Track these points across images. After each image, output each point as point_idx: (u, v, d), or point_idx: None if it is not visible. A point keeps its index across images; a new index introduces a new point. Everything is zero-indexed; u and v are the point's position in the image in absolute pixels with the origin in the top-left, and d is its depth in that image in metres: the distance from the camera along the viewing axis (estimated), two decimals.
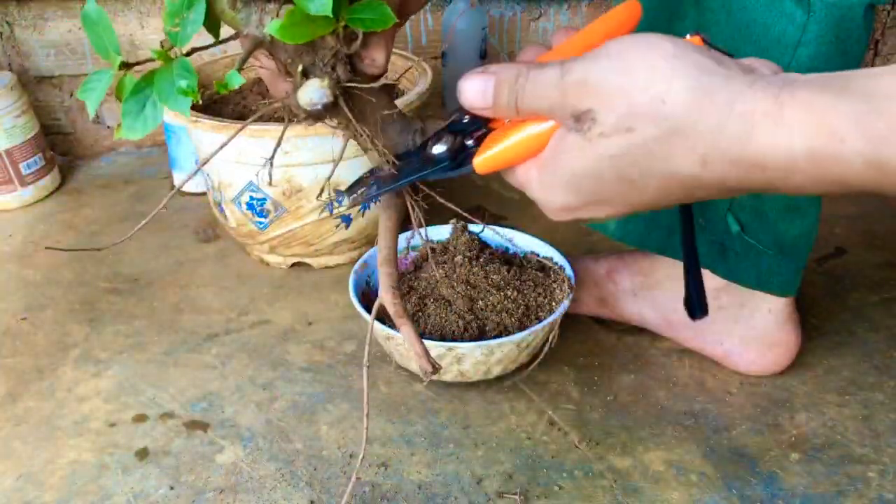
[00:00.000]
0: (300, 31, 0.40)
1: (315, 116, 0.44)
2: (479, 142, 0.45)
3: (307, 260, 0.96)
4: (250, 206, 0.89)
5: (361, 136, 0.46)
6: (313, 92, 0.43)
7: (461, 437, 0.70)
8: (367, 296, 0.79)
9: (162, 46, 0.41)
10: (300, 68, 0.43)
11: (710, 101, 0.36)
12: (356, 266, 0.80)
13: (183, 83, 0.40)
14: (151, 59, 0.42)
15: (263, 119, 0.94)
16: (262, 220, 0.90)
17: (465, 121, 0.45)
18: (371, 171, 0.48)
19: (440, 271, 0.77)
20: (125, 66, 0.42)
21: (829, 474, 0.66)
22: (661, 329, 0.80)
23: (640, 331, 0.82)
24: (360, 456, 0.54)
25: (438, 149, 0.46)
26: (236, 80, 0.42)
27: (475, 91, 0.42)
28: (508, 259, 0.81)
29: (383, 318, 0.74)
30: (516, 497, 0.64)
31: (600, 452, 0.68)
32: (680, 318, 0.78)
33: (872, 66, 1.58)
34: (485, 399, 0.74)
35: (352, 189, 0.48)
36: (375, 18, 0.41)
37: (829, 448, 0.68)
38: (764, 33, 0.61)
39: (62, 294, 0.92)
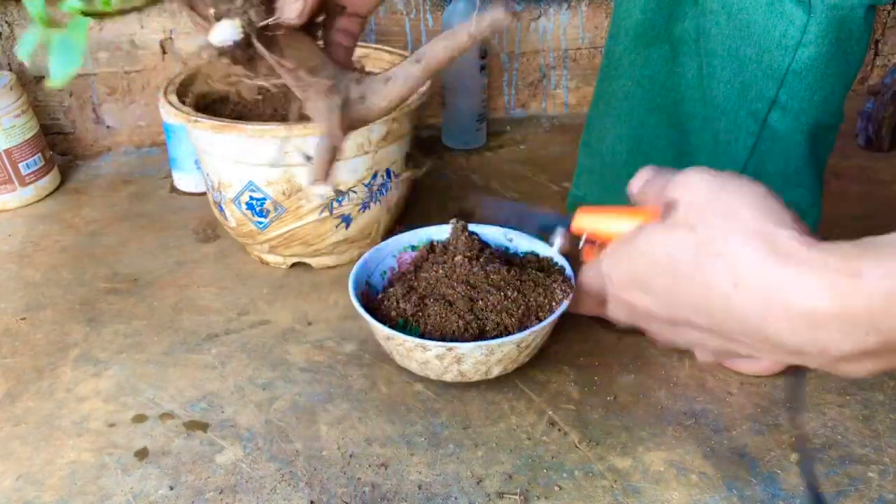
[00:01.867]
0: None
1: (230, 55, 0.46)
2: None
3: (307, 260, 0.96)
4: (250, 206, 0.89)
5: (285, 71, 0.47)
6: (223, 30, 0.45)
7: (461, 437, 0.70)
8: (367, 296, 0.79)
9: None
10: (212, 12, 0.44)
11: (761, 245, 0.39)
12: (356, 266, 0.79)
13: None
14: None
15: (264, 119, 0.94)
16: (261, 219, 0.90)
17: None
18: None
19: (440, 271, 0.77)
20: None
21: (830, 474, 0.66)
22: None
23: (640, 331, 0.82)
24: None
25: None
26: None
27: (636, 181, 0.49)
28: (508, 259, 0.81)
29: (383, 317, 0.74)
30: (516, 497, 0.64)
31: (600, 452, 0.68)
32: None
33: (873, 65, 1.58)
34: (485, 399, 0.74)
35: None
36: None
37: (830, 448, 0.68)
38: (764, 35, 0.60)
39: (62, 294, 0.92)
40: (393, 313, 0.75)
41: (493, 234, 0.84)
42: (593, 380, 0.77)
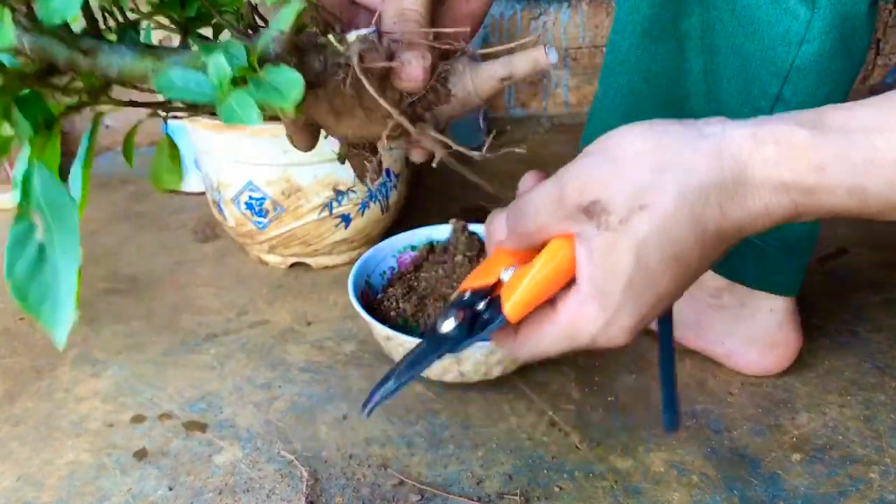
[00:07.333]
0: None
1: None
2: (491, 304, 0.45)
3: (306, 260, 0.95)
4: (249, 206, 0.89)
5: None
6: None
7: (461, 438, 0.70)
8: (367, 296, 0.79)
9: None
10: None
11: (700, 154, 0.37)
12: (355, 266, 0.79)
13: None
14: None
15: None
16: (260, 219, 0.90)
17: (467, 297, 0.46)
18: (387, 375, 0.47)
19: (440, 271, 0.77)
20: None
21: (831, 475, 0.66)
22: None
23: (641, 331, 0.82)
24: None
25: (448, 326, 0.46)
26: None
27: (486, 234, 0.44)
28: None
29: (383, 317, 0.74)
30: (517, 498, 0.64)
31: (601, 453, 0.68)
32: (681, 318, 0.77)
33: (874, 64, 1.58)
34: (485, 400, 0.74)
35: (370, 403, 0.46)
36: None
37: (831, 449, 0.68)
38: (768, 31, 0.60)
39: None
40: (392, 313, 0.74)
41: None
42: (594, 380, 0.76)
